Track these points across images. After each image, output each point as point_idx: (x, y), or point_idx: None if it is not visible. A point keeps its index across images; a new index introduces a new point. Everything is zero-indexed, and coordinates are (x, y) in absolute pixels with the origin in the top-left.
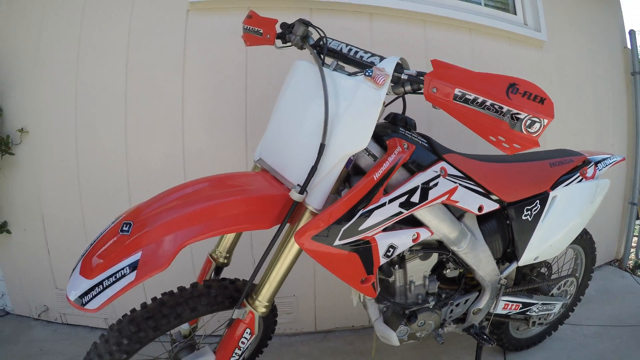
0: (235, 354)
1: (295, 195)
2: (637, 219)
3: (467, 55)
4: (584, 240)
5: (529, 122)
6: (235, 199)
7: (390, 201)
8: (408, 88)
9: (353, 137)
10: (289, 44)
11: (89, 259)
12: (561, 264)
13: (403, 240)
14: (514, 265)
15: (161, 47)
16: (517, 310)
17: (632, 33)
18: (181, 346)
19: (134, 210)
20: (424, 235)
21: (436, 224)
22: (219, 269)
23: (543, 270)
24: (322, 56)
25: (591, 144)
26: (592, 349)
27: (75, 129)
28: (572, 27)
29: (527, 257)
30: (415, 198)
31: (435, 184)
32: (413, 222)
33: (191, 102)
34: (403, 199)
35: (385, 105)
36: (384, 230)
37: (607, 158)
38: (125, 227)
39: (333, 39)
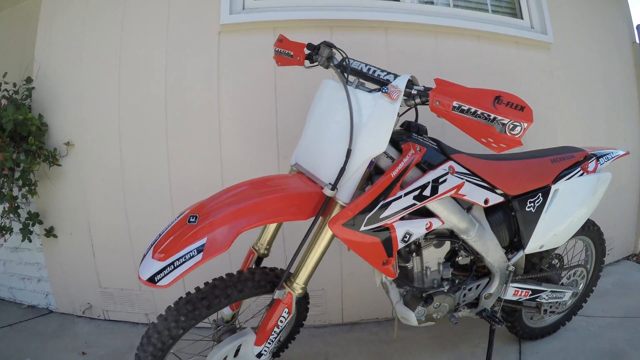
0: (274, 332)
1: (328, 192)
2: None
3: (475, 62)
4: (592, 232)
5: (511, 126)
6: (279, 195)
7: (406, 194)
8: (417, 101)
9: (374, 142)
10: (316, 63)
11: (160, 245)
12: (571, 256)
13: (417, 227)
14: (520, 253)
15: (197, 66)
16: (527, 297)
17: (639, 28)
18: (224, 329)
19: (198, 206)
20: (436, 224)
21: (446, 214)
22: (259, 259)
23: (555, 262)
24: (345, 75)
25: (603, 139)
26: (607, 338)
27: (119, 141)
28: (578, 27)
29: (533, 246)
30: (426, 192)
31: (445, 180)
32: (426, 214)
33: (227, 116)
34: (416, 192)
35: (400, 115)
36: (401, 219)
37: (610, 153)
38: (192, 219)
39: (354, 60)
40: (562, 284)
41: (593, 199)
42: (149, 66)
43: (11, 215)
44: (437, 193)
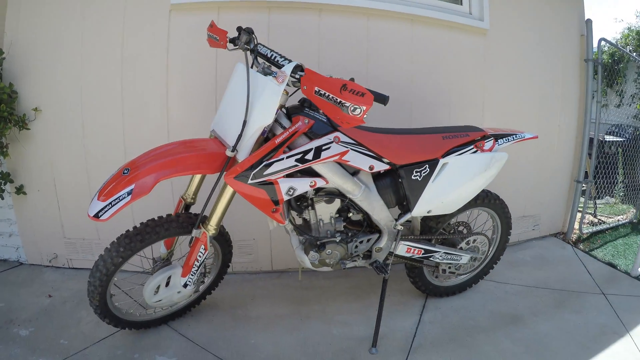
0: (195, 265)
1: (229, 153)
2: (590, 197)
3: (407, 44)
4: (495, 205)
5: (352, 108)
6: (193, 154)
7: (288, 157)
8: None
9: (263, 116)
10: (237, 47)
11: (103, 190)
12: (478, 225)
13: (301, 185)
14: (408, 215)
15: (149, 40)
16: (420, 255)
17: (588, 22)
18: (160, 265)
19: (131, 161)
20: (320, 183)
21: (330, 176)
22: (187, 207)
23: (461, 228)
24: (252, 59)
25: (533, 125)
26: (509, 303)
27: (81, 107)
28: (519, 16)
29: (420, 210)
30: (309, 156)
31: (328, 148)
32: (314, 174)
33: (174, 86)
34: (299, 156)
35: (290, 95)
36: (287, 176)
37: (514, 135)
38: (126, 171)
39: (264, 46)
40: (460, 248)
41: (485, 175)
42: (107, 39)
43: None
44: (319, 158)
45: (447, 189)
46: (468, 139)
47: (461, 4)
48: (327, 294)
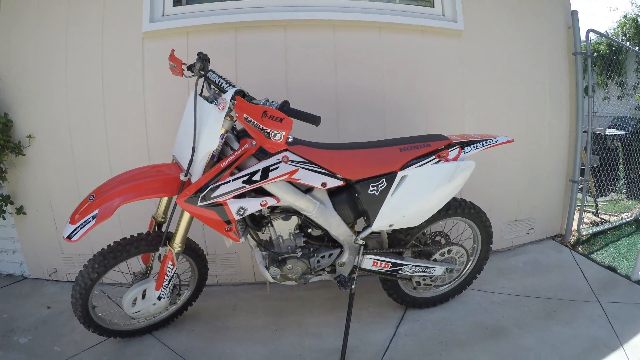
0: (166, 279)
1: (182, 177)
2: (590, 195)
3: (376, 53)
4: (471, 214)
5: (273, 133)
6: (152, 179)
7: (235, 180)
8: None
9: (208, 141)
10: (193, 74)
11: (74, 215)
12: (456, 236)
13: (252, 205)
14: (368, 230)
15: (126, 67)
16: (388, 269)
17: (574, 14)
18: (138, 279)
19: (97, 188)
20: (272, 202)
21: (281, 195)
22: (159, 225)
23: (438, 238)
24: (204, 85)
25: (521, 127)
26: (493, 314)
27: (69, 132)
28: (499, 15)
29: (380, 224)
30: (256, 177)
31: (276, 168)
32: (266, 193)
33: (151, 111)
34: (245, 178)
35: (235, 120)
36: (236, 197)
37: (483, 141)
38: (91, 197)
39: (214, 72)
40: (434, 260)
41: (450, 186)
42: (88, 67)
43: None
44: (267, 178)
45: (408, 202)
46: (429, 149)
47: (433, 6)
48: (305, 306)
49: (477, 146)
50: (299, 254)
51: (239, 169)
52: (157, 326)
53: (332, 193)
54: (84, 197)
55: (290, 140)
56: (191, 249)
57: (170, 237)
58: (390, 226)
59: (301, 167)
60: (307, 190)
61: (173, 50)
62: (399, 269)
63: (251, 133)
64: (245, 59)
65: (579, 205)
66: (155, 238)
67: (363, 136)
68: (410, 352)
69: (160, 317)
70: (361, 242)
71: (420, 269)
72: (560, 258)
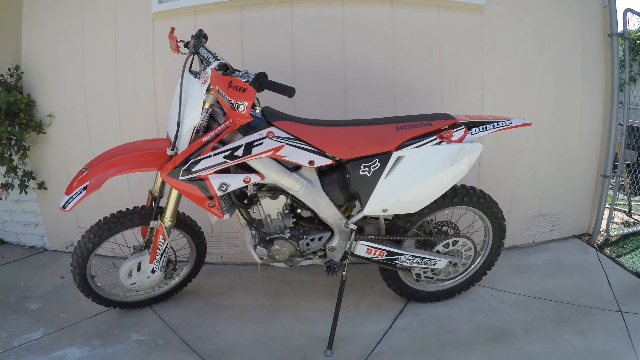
0: (158, 252)
1: (169, 151)
2: (624, 193)
3: (388, 28)
4: (480, 204)
5: (237, 104)
6: (141, 153)
7: (216, 154)
8: None
9: (191, 116)
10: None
11: (69, 186)
12: (465, 227)
13: (234, 181)
14: (360, 214)
15: (138, 47)
16: (383, 257)
17: None
18: (136, 251)
19: (91, 161)
20: (255, 179)
21: (265, 172)
22: (156, 200)
23: (445, 228)
24: (192, 61)
25: (548, 110)
26: (502, 315)
27: (86, 112)
28: None
29: (372, 208)
30: (238, 152)
31: (260, 143)
32: (251, 170)
33: (160, 88)
34: (227, 153)
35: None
36: (218, 172)
37: (495, 122)
38: (84, 170)
39: (205, 48)
40: (437, 252)
41: (452, 169)
42: (103, 49)
43: (11, 174)
44: (250, 154)
45: (404, 186)
46: (430, 128)
47: None
48: (304, 290)
49: (486, 127)
50: (287, 235)
51: (225, 144)
52: (157, 299)
53: (323, 173)
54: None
55: (257, 111)
56: (187, 225)
57: (162, 212)
58: (384, 211)
59: (287, 144)
60: (295, 168)
61: (173, 29)
62: (395, 259)
63: (223, 106)
64: (251, 36)
65: (609, 203)
66: (148, 212)
67: (372, 116)
68: (403, 347)
69: (160, 291)
70: (352, 226)
71: (420, 260)
72: (585, 259)
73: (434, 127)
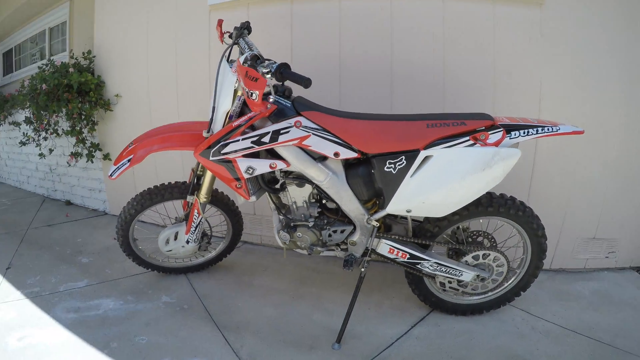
0: (193, 225)
1: (204, 134)
2: None
3: (438, 23)
4: (518, 217)
5: (250, 93)
6: (181, 134)
7: (244, 139)
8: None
9: (224, 102)
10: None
11: (118, 157)
12: (503, 240)
13: (260, 165)
14: (382, 212)
15: (195, 37)
16: (405, 260)
17: None
18: (176, 222)
19: (137, 137)
20: (280, 166)
21: (291, 159)
22: (198, 177)
23: (480, 239)
24: (230, 52)
25: (618, 121)
26: (527, 343)
27: (148, 94)
28: None
29: (396, 207)
30: (265, 139)
31: (287, 132)
32: (279, 157)
33: (214, 73)
34: (255, 138)
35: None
36: (246, 156)
37: (539, 127)
38: (131, 144)
39: (244, 40)
40: (466, 262)
41: (484, 175)
42: (165, 38)
43: (80, 145)
44: (276, 141)
45: (430, 188)
46: (463, 128)
47: None
48: (331, 281)
49: (528, 132)
50: (310, 224)
51: (255, 130)
52: (192, 269)
53: (350, 166)
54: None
55: (271, 101)
56: (223, 203)
57: (199, 188)
58: (408, 211)
59: (313, 134)
60: (322, 158)
61: (220, 21)
62: (418, 263)
63: (245, 96)
64: (300, 28)
65: None
66: (187, 187)
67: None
68: (412, 356)
69: (197, 262)
70: (374, 223)
71: (444, 269)
72: (638, 297)
73: (468, 127)
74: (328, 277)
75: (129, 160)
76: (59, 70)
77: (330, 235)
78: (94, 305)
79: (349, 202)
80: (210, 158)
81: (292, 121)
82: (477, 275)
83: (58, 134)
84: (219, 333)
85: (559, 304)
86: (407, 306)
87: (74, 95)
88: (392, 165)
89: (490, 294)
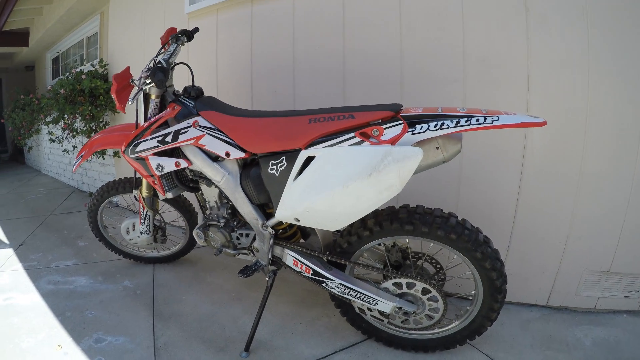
0: (140, 217)
1: (133, 133)
2: None
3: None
4: (453, 241)
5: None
6: (120, 133)
7: (152, 138)
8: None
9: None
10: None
11: (78, 154)
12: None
13: (167, 163)
14: (273, 219)
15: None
16: (310, 275)
17: None
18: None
19: (93, 135)
20: (183, 164)
21: (192, 158)
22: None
23: (421, 262)
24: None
25: (625, 118)
26: None
27: None
28: None
29: (283, 214)
30: (168, 138)
31: (186, 132)
32: (183, 156)
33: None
34: (159, 138)
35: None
36: (156, 154)
37: (465, 118)
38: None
39: (167, 48)
40: (385, 289)
41: (372, 182)
42: (156, 43)
43: None
44: (177, 140)
45: (312, 194)
46: (351, 122)
47: None
48: (281, 289)
49: (441, 125)
50: (221, 224)
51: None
52: (161, 260)
53: (245, 166)
54: None
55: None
56: (174, 201)
57: (139, 184)
58: (296, 220)
59: (207, 133)
60: (217, 158)
61: (167, 30)
62: (322, 281)
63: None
64: (259, 29)
65: None
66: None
67: None
68: None
69: (164, 254)
70: (270, 230)
71: (353, 293)
72: None
73: (357, 120)
74: (279, 285)
75: (82, 156)
76: (76, 77)
77: (238, 238)
78: (70, 281)
79: (242, 204)
80: (130, 156)
81: (190, 121)
82: (399, 308)
83: (77, 133)
84: (151, 320)
85: (543, 355)
86: (343, 328)
87: (86, 99)
88: (275, 167)
89: (437, 330)
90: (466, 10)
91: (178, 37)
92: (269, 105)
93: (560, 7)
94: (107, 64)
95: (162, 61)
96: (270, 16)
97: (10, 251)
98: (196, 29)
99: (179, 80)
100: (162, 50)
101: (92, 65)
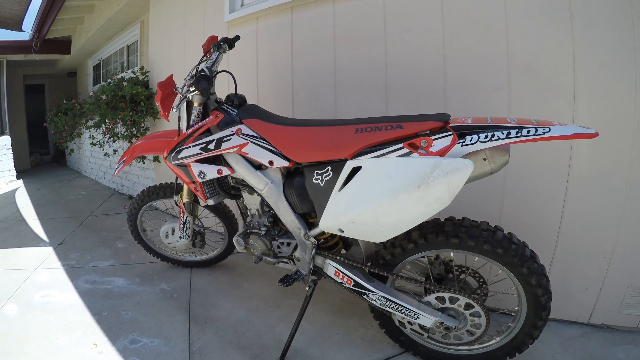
0: (180, 222)
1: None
2: None
3: (436, 12)
4: (499, 256)
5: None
6: (162, 139)
7: (194, 146)
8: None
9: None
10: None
11: (120, 159)
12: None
13: (209, 170)
14: (317, 229)
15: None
16: (351, 286)
17: None
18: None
19: (135, 141)
20: (225, 172)
21: (234, 166)
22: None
23: (464, 276)
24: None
25: None
26: None
27: None
28: None
29: (327, 224)
30: (211, 146)
31: (229, 139)
32: (226, 163)
33: (262, 70)
34: (202, 145)
35: (211, 93)
36: (198, 161)
37: (515, 129)
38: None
39: (211, 55)
40: (428, 303)
41: (420, 194)
42: (196, 53)
43: None
44: (220, 148)
45: (357, 205)
46: (399, 132)
47: None
48: (318, 298)
49: (492, 136)
50: (262, 232)
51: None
52: (198, 264)
53: (289, 175)
54: None
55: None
56: (215, 208)
57: (180, 189)
58: (340, 231)
59: (251, 142)
60: (260, 167)
61: (209, 38)
62: (363, 293)
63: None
64: (299, 36)
65: None
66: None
67: None
68: None
69: (202, 259)
70: (313, 240)
71: (394, 306)
72: None
73: (405, 131)
74: (317, 294)
75: (123, 161)
76: (117, 83)
77: (279, 247)
78: (107, 281)
79: (285, 213)
80: (172, 162)
81: (233, 129)
82: (441, 323)
83: (118, 137)
84: (187, 323)
85: None
86: (380, 340)
87: (127, 105)
88: (320, 177)
89: (477, 346)
90: (510, 17)
91: (220, 45)
92: (310, 113)
93: (606, 12)
94: (148, 71)
95: (205, 69)
96: (311, 24)
97: (50, 249)
98: (237, 37)
99: (219, 89)
100: (204, 58)
101: (132, 72)
